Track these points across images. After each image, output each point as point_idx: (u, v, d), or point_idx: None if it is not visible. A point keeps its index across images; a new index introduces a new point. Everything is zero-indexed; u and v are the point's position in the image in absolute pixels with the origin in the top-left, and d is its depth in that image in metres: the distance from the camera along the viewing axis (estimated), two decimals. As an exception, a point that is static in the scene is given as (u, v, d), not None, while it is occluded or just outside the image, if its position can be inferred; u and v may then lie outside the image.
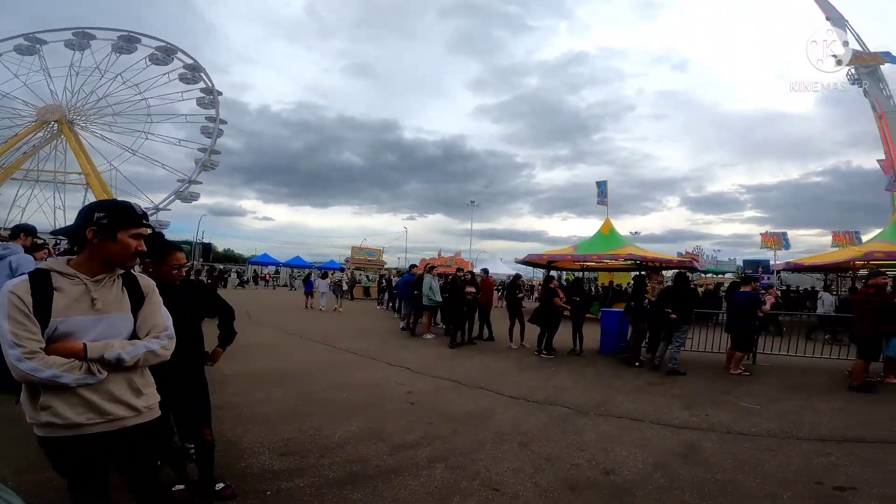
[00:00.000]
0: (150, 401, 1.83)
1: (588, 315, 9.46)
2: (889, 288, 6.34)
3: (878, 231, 16.92)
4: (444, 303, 10.40)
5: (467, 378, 6.44)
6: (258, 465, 3.34)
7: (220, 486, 2.85)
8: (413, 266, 12.00)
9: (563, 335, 9.06)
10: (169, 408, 2.69)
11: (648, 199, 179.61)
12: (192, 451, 2.83)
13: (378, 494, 2.98)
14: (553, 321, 8.69)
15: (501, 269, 29.16)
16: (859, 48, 23.02)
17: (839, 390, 6.04)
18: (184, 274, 2.67)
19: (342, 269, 21.46)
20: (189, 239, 44.36)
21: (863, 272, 14.46)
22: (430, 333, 10.44)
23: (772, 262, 22.34)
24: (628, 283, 19.95)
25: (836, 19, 24.00)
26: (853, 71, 23.04)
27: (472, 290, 9.76)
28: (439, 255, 31.03)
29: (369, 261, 27.66)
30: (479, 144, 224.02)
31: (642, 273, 13.01)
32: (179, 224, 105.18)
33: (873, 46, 23.09)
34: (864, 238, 18.66)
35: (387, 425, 4.32)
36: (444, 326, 11.27)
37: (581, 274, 21.09)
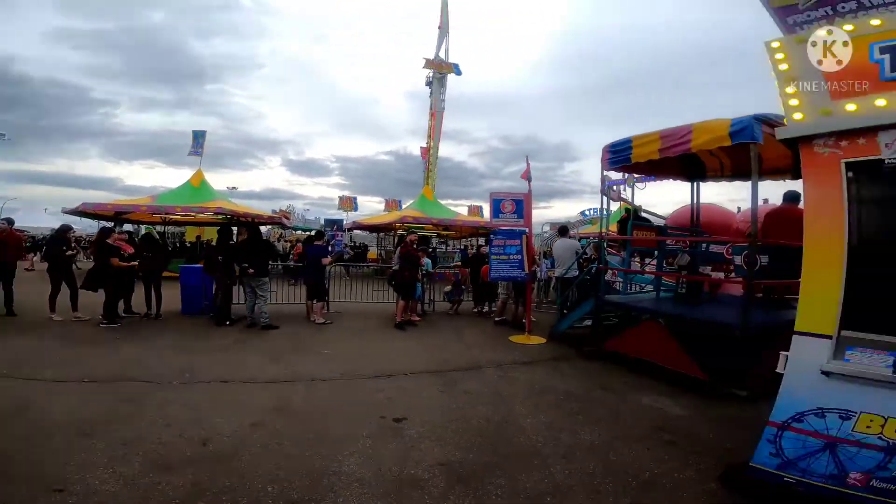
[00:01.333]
0: None
1: (168, 273, 8.28)
2: (412, 243, 8.32)
3: (411, 201, 22.91)
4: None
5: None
6: None
7: None
8: None
9: (137, 298, 7.69)
10: None
11: (252, 157, 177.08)
12: None
13: None
14: (116, 283, 7.11)
15: (46, 221, 22.13)
16: (443, 57, 29.54)
17: (389, 329, 7.49)
18: None
19: None
20: None
21: (401, 232, 19.35)
22: None
23: (345, 222, 26.42)
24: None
25: (444, 28, 29.76)
26: (430, 74, 29.53)
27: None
28: None
29: None
30: (39, 70, 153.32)
31: (227, 226, 12.46)
32: None
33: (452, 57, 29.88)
34: (404, 206, 24.74)
35: None
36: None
37: (163, 228, 18.39)
